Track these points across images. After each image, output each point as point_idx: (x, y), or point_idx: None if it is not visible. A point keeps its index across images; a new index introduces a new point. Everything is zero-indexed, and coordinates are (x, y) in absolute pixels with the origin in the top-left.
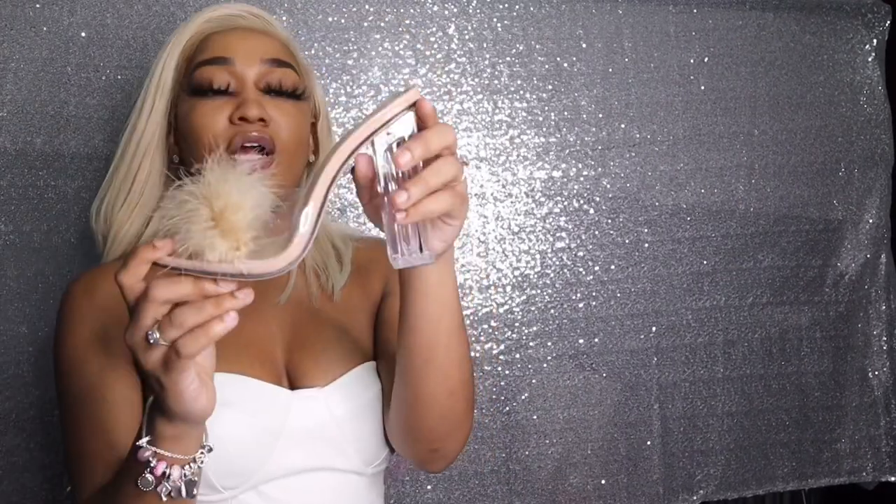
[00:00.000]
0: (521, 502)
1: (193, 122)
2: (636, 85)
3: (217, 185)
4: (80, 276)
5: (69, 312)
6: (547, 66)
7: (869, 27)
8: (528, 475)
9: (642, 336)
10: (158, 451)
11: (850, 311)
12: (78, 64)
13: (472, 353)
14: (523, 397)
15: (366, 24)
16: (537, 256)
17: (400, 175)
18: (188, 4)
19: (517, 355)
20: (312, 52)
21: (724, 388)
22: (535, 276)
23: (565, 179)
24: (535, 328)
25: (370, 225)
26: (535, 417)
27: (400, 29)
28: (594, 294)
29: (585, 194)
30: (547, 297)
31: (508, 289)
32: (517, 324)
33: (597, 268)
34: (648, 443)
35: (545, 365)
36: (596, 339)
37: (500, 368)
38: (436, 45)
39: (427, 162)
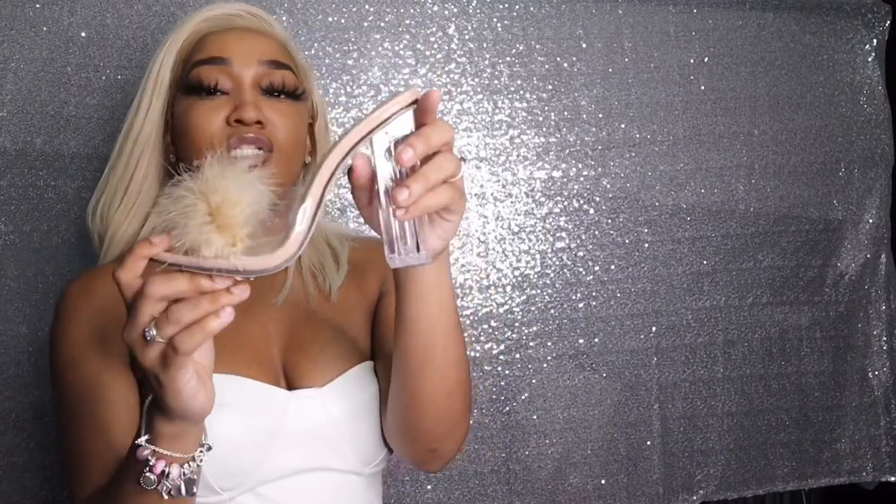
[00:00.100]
0: (521, 502)
1: (190, 123)
2: (636, 85)
3: (214, 181)
4: (76, 277)
5: (66, 313)
6: (547, 66)
7: (869, 27)
8: (528, 475)
9: (642, 336)
10: (157, 449)
11: (850, 311)
12: (78, 64)
13: (472, 353)
14: (523, 397)
15: (366, 24)
16: (537, 256)
17: (397, 174)
18: (188, 4)
19: (517, 355)
20: (312, 52)
21: (724, 388)
22: (535, 276)
23: (565, 179)
24: (535, 328)
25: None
26: (535, 417)
27: (400, 29)
28: (594, 294)
29: (585, 194)
30: (547, 297)
31: (508, 289)
32: (517, 324)
33: (597, 268)
34: (648, 443)
35: (545, 365)
36: (596, 339)
37: (500, 368)
38: (436, 45)
39: (425, 158)
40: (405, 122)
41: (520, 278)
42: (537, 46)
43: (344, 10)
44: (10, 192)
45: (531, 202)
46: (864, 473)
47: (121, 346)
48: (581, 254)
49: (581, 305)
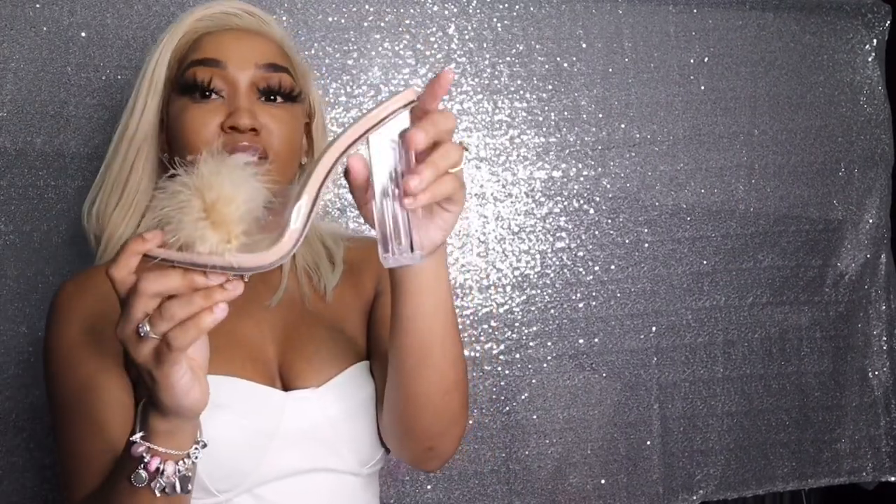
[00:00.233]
0: (521, 502)
1: (184, 126)
2: (636, 85)
3: (210, 177)
4: (69, 277)
5: (60, 313)
6: (547, 66)
7: (869, 27)
8: (528, 475)
9: (642, 336)
10: (152, 446)
11: (850, 311)
12: (78, 64)
13: (472, 353)
14: (523, 397)
15: (366, 24)
16: (537, 256)
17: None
18: (188, 4)
19: (517, 355)
20: (312, 52)
21: (724, 388)
22: (535, 276)
23: (565, 179)
24: (535, 328)
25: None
26: (535, 417)
27: (400, 29)
28: (594, 294)
29: (585, 194)
30: (547, 297)
31: (508, 289)
32: (517, 324)
33: (597, 268)
34: (648, 443)
35: (545, 365)
36: (596, 339)
37: (500, 368)
38: (436, 45)
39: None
40: (402, 122)
41: (520, 278)
42: (537, 46)
43: (344, 10)
44: (10, 192)
45: (531, 202)
46: (864, 473)
47: (115, 347)
48: (581, 254)
49: (581, 305)
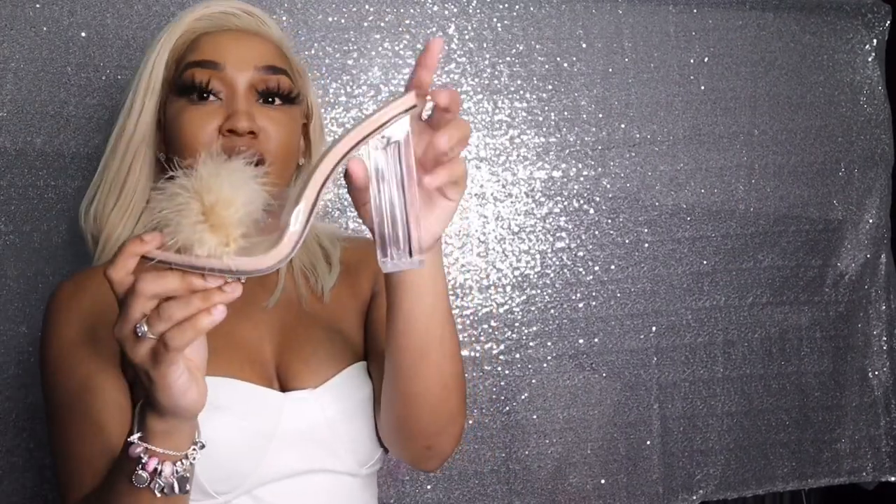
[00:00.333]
0: (521, 502)
1: (181, 128)
2: (636, 85)
3: (209, 180)
4: (66, 278)
5: (56, 315)
6: (547, 66)
7: (869, 27)
8: (528, 475)
9: (642, 336)
10: (149, 447)
11: (850, 311)
12: (78, 64)
13: (472, 353)
14: (523, 397)
15: (366, 24)
16: (537, 256)
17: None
18: (188, 4)
19: (517, 355)
20: (312, 52)
21: (724, 388)
22: (535, 276)
23: (565, 179)
24: (535, 328)
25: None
26: (535, 417)
27: (400, 29)
28: (594, 294)
29: (585, 194)
30: (547, 297)
31: (508, 289)
32: (517, 324)
33: (597, 268)
34: (648, 442)
35: (545, 365)
36: (596, 339)
37: (500, 368)
38: None
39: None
40: (402, 125)
41: (520, 278)
42: (537, 46)
43: (344, 10)
44: (10, 192)
45: (531, 202)
46: (864, 473)
47: (112, 349)
48: (581, 254)
49: (581, 305)
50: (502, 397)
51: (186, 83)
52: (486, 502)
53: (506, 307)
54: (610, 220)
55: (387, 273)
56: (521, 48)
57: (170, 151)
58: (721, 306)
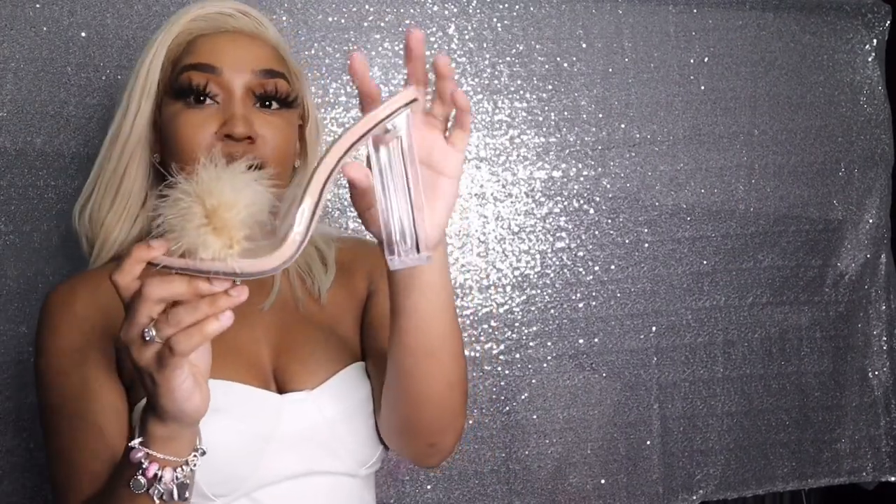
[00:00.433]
0: (521, 502)
1: (178, 132)
2: (636, 85)
3: (211, 183)
4: (62, 281)
5: (49, 321)
6: (547, 66)
7: (869, 27)
8: (528, 475)
9: (642, 336)
10: (150, 452)
11: (850, 311)
12: (78, 64)
13: (472, 353)
14: (523, 397)
15: (366, 24)
16: (537, 256)
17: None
18: (188, 4)
19: (517, 355)
20: (312, 52)
21: (724, 388)
22: (535, 276)
23: (565, 179)
24: (535, 328)
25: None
26: (535, 417)
27: (400, 29)
28: (594, 294)
29: (585, 194)
30: (547, 297)
31: (508, 289)
32: (517, 324)
33: (597, 268)
34: (648, 442)
35: (545, 365)
36: (596, 339)
37: (500, 368)
38: (436, 45)
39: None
40: (403, 121)
41: (520, 278)
42: (537, 46)
43: (344, 10)
44: (10, 192)
45: (531, 202)
46: (864, 473)
47: (108, 353)
48: (581, 254)
49: (581, 305)
50: (502, 397)
51: (183, 86)
52: (486, 502)
53: (506, 307)
54: (610, 220)
55: (392, 274)
56: (521, 48)
57: (165, 154)
58: (721, 306)
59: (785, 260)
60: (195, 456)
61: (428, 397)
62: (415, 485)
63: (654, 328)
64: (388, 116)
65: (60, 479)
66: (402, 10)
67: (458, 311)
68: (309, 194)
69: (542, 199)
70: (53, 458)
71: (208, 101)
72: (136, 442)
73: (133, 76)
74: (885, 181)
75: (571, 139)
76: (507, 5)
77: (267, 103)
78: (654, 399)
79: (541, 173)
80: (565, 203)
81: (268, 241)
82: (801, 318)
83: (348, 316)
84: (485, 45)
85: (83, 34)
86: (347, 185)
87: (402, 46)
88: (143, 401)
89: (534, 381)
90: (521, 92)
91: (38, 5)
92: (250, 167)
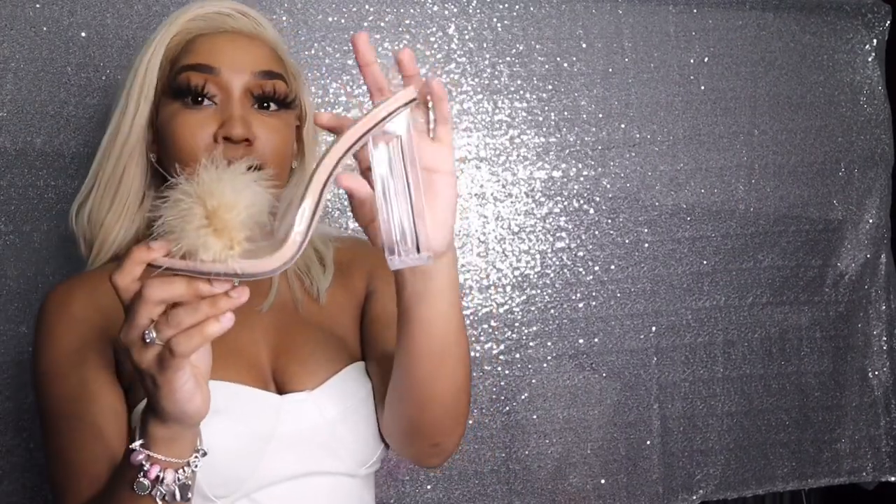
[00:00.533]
0: (521, 502)
1: (176, 133)
2: (636, 85)
3: (211, 184)
4: (55, 286)
5: (47, 324)
6: (547, 66)
7: (869, 27)
8: (528, 475)
9: (642, 336)
10: (151, 454)
11: (850, 311)
12: (78, 64)
13: (472, 353)
14: (523, 397)
15: (366, 24)
16: (537, 256)
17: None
18: (187, 4)
19: (517, 355)
20: (312, 52)
21: (723, 388)
22: (535, 276)
23: (565, 179)
24: (535, 328)
25: None
26: (535, 417)
27: (400, 29)
28: (594, 294)
29: (585, 194)
30: (547, 297)
31: (508, 289)
32: (517, 324)
33: (597, 268)
34: (648, 442)
35: (545, 365)
36: (596, 339)
37: (500, 368)
38: (436, 45)
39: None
40: (402, 120)
41: (520, 278)
42: (537, 46)
43: (344, 10)
44: (10, 192)
45: (531, 202)
46: (864, 473)
47: (106, 354)
48: (581, 254)
49: (581, 305)
50: (502, 397)
51: (181, 86)
52: (486, 502)
53: (506, 307)
54: (610, 220)
55: (402, 283)
56: (521, 48)
57: (162, 154)
58: (721, 306)
59: (785, 260)
60: (196, 457)
61: (434, 401)
62: (415, 485)
63: (654, 328)
64: (387, 116)
65: (59, 480)
66: (402, 10)
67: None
68: (309, 195)
69: (542, 199)
70: (52, 459)
71: (206, 101)
72: (137, 444)
73: (131, 75)
74: (885, 181)
75: (571, 139)
76: (507, 5)
77: (265, 104)
78: (654, 399)
79: (541, 173)
80: (565, 203)
81: (267, 242)
82: (801, 318)
83: (347, 316)
84: (485, 45)
85: (83, 34)
86: (348, 201)
87: (401, 46)
88: (143, 402)
89: (534, 381)
90: (521, 92)
91: (38, 5)
92: (250, 168)
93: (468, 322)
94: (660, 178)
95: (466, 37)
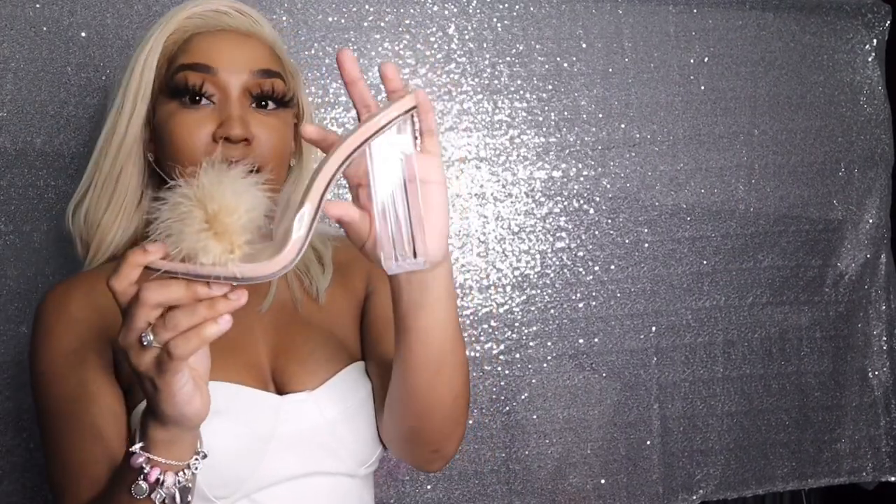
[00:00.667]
0: (521, 502)
1: (174, 133)
2: (636, 85)
3: (211, 188)
4: (53, 287)
5: (44, 325)
6: (547, 66)
7: (869, 27)
8: (528, 475)
9: (642, 336)
10: (151, 457)
11: (850, 311)
12: (78, 64)
13: (472, 353)
14: (523, 397)
15: (366, 24)
16: (537, 256)
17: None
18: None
19: (517, 355)
20: (312, 52)
21: (723, 388)
22: (535, 276)
23: (565, 179)
24: (535, 328)
25: None
26: (535, 417)
27: (400, 29)
28: (594, 294)
29: (585, 194)
30: (547, 297)
31: (508, 289)
32: (517, 324)
33: (597, 268)
34: (648, 442)
35: (545, 365)
36: (596, 339)
37: (500, 368)
38: (436, 45)
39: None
40: (405, 128)
41: (520, 278)
42: (537, 46)
43: (344, 10)
44: (10, 192)
45: (531, 202)
46: (864, 473)
47: (104, 356)
48: (581, 254)
49: (581, 305)
50: (502, 397)
51: (179, 86)
52: (486, 502)
53: (506, 307)
54: (610, 220)
55: (399, 294)
56: (521, 48)
57: (160, 153)
58: (721, 306)
59: (785, 260)
60: (196, 460)
61: (434, 409)
62: (415, 485)
63: (654, 328)
64: (388, 124)
65: (59, 481)
66: (402, 10)
67: (458, 311)
68: (309, 200)
69: (542, 199)
70: (51, 460)
71: (204, 101)
72: (136, 447)
73: (128, 74)
74: (885, 181)
75: (571, 139)
76: (507, 5)
77: (263, 103)
78: (654, 399)
79: (541, 173)
80: (565, 203)
81: (264, 245)
82: (801, 318)
83: (347, 316)
84: (485, 45)
85: (83, 34)
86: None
87: (401, 46)
88: (143, 404)
89: (534, 381)
90: (521, 92)
91: (38, 5)
92: (250, 171)
93: (468, 322)
94: (660, 178)
95: (466, 37)
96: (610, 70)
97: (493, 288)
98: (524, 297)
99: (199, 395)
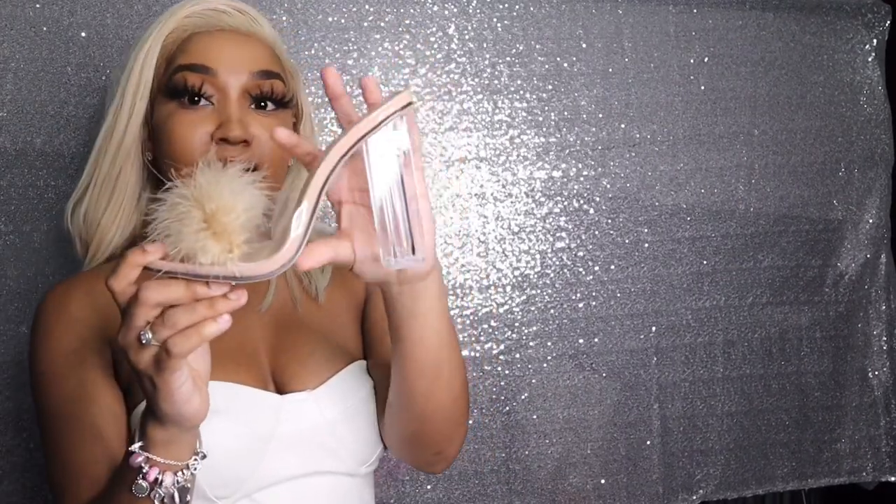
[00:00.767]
0: (521, 502)
1: (172, 133)
2: (636, 85)
3: (209, 188)
4: (53, 287)
5: (44, 325)
6: (547, 66)
7: (869, 27)
8: (528, 475)
9: (642, 336)
10: (150, 456)
11: (850, 311)
12: (78, 64)
13: (473, 353)
14: (523, 397)
15: (366, 24)
16: (537, 256)
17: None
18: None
19: (517, 355)
20: (312, 52)
21: (723, 388)
22: (535, 276)
23: (565, 179)
24: (535, 328)
25: None
26: (535, 417)
27: (400, 29)
28: (594, 294)
29: (585, 194)
30: (547, 297)
31: (508, 289)
32: (517, 324)
33: (597, 268)
34: (648, 442)
35: (545, 365)
36: (596, 339)
37: (500, 368)
38: (436, 45)
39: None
40: (401, 126)
41: (520, 278)
42: (537, 46)
43: (344, 10)
44: (10, 192)
45: (531, 202)
46: (864, 473)
47: (104, 356)
48: (581, 254)
49: (581, 305)
50: (502, 397)
51: (177, 86)
52: (486, 502)
53: (506, 307)
54: (610, 220)
55: (393, 305)
56: (521, 48)
57: (158, 153)
58: (721, 306)
59: (785, 260)
60: (196, 460)
61: (434, 412)
62: (415, 485)
63: (654, 328)
64: (384, 121)
65: (59, 481)
66: (402, 10)
67: (457, 311)
68: (307, 198)
69: (542, 199)
70: (51, 460)
71: (203, 101)
72: (136, 446)
73: (126, 73)
74: (885, 181)
75: (571, 139)
76: (507, 5)
77: (262, 104)
78: (654, 399)
79: (541, 173)
80: (565, 203)
81: (262, 244)
82: (801, 318)
83: (347, 315)
84: (485, 45)
85: (83, 34)
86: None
87: (402, 46)
88: (142, 404)
89: (534, 381)
90: (521, 92)
91: (38, 5)
92: (247, 170)
93: (468, 322)
94: (660, 178)
95: (466, 37)
96: (610, 70)
97: (493, 288)
98: (524, 297)
99: (198, 394)
